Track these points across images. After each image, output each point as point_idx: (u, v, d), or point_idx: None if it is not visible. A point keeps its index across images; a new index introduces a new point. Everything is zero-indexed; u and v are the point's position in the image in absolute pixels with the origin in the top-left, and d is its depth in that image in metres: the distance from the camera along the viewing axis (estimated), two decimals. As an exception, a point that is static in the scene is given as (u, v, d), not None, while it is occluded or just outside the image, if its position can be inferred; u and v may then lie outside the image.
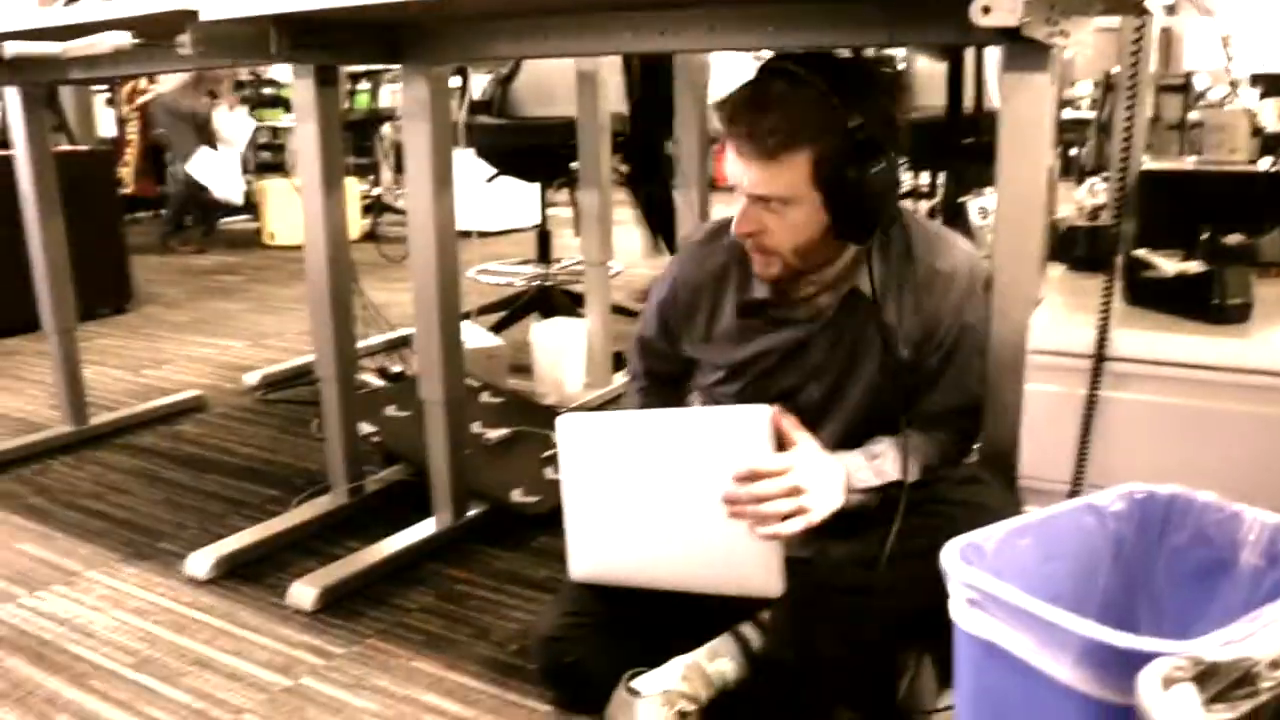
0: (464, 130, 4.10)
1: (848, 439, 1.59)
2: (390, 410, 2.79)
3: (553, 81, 4.36)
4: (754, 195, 1.51)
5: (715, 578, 1.53)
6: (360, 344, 3.15)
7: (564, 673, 1.61)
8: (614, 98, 3.81)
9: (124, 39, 1.87)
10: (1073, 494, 1.46)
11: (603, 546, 1.60)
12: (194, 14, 1.76)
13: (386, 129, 7.74)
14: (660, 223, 4.07)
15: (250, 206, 7.58)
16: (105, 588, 2.18)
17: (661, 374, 1.85)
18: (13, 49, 2.06)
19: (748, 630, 1.57)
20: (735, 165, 1.51)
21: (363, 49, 2.08)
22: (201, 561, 2.21)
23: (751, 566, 1.49)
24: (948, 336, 1.61)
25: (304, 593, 2.06)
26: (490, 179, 4.39)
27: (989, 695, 1.14)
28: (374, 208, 7.31)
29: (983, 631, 1.10)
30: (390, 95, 7.43)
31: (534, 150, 4.23)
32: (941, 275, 1.60)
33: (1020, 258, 1.52)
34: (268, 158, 8.63)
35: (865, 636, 1.49)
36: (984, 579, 1.10)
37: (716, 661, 1.54)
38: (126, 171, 7.94)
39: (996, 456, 1.56)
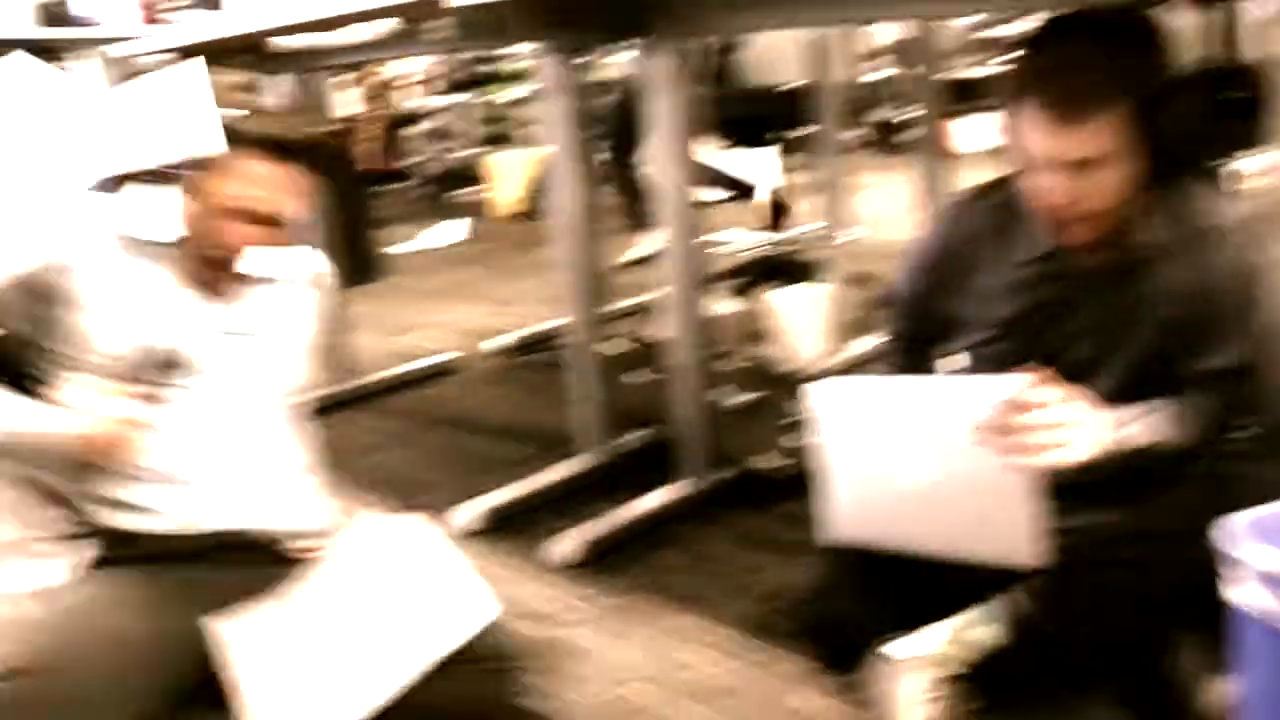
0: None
1: (1116, 400, 1.51)
2: (636, 375, 2.89)
3: (774, 50, 4.38)
4: (1067, 161, 1.47)
5: (973, 545, 1.52)
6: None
7: (824, 630, 1.65)
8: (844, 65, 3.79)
9: (389, 25, 1.98)
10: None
11: (860, 511, 1.61)
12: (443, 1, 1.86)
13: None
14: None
15: (475, 178, 7.86)
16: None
17: (916, 336, 1.84)
18: (281, 44, 2.22)
19: (1010, 599, 1.56)
20: (1038, 136, 1.47)
21: (607, 26, 2.13)
22: (467, 514, 2.36)
23: (1010, 535, 1.47)
24: (1227, 296, 1.56)
25: (565, 547, 2.19)
26: (723, 147, 4.43)
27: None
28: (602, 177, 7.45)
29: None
30: (616, 68, 7.57)
31: (756, 119, 4.26)
32: (1223, 232, 1.54)
33: None
34: (496, 130, 8.92)
35: (1132, 613, 1.46)
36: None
37: (976, 629, 1.54)
38: (366, 147, 8.37)
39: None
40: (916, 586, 1.61)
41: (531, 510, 2.45)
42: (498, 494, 2.48)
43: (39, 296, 1.53)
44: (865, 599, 1.63)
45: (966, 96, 9.28)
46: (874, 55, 8.14)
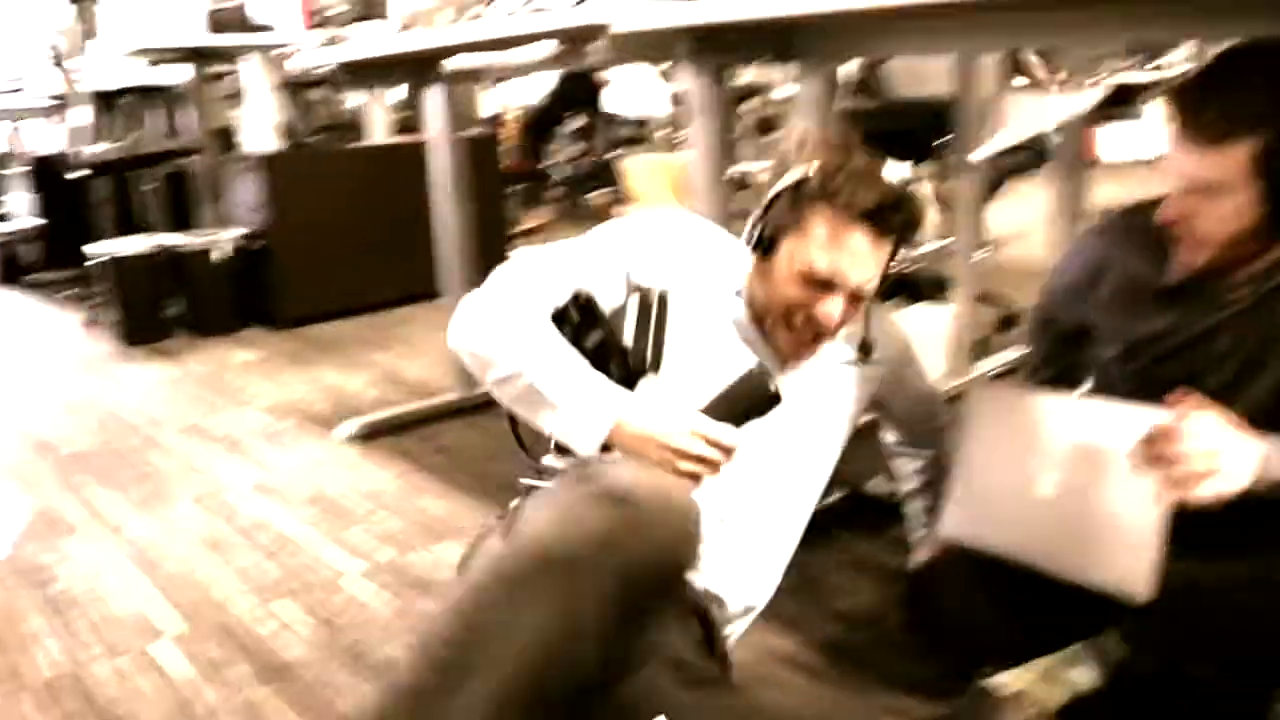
0: (847, 115, 4.10)
1: (1256, 426, 1.47)
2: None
3: (924, 62, 4.30)
4: (1193, 181, 1.45)
5: (1086, 565, 1.49)
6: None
7: (931, 616, 1.64)
8: (990, 79, 3.70)
9: (551, 49, 2.01)
10: None
11: (986, 513, 1.60)
12: (607, 26, 1.88)
13: (754, 102, 7.84)
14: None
15: (613, 180, 7.91)
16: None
17: (1059, 358, 1.80)
18: (453, 64, 2.26)
19: (1112, 640, 1.54)
20: (1173, 150, 1.46)
21: (756, 50, 2.13)
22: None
23: (1127, 564, 1.44)
24: None
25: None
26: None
27: None
28: (735, 182, 7.41)
29: None
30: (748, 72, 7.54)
31: (904, 132, 4.18)
32: None
33: None
34: (630, 133, 8.96)
35: (1242, 662, 1.41)
36: None
37: (1075, 668, 1.51)
38: (505, 148, 8.48)
39: None
40: (1031, 601, 1.56)
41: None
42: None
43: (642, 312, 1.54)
44: (976, 585, 1.60)
45: (1116, 102, 9.06)
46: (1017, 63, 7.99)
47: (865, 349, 1.64)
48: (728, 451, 1.38)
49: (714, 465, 1.38)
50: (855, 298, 1.55)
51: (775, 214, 1.54)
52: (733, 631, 1.63)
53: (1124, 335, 1.66)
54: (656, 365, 1.54)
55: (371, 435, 3.18)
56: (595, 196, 8.13)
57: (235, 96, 5.08)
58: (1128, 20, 1.66)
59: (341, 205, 4.73)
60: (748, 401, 1.42)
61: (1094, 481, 1.46)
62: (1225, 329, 1.57)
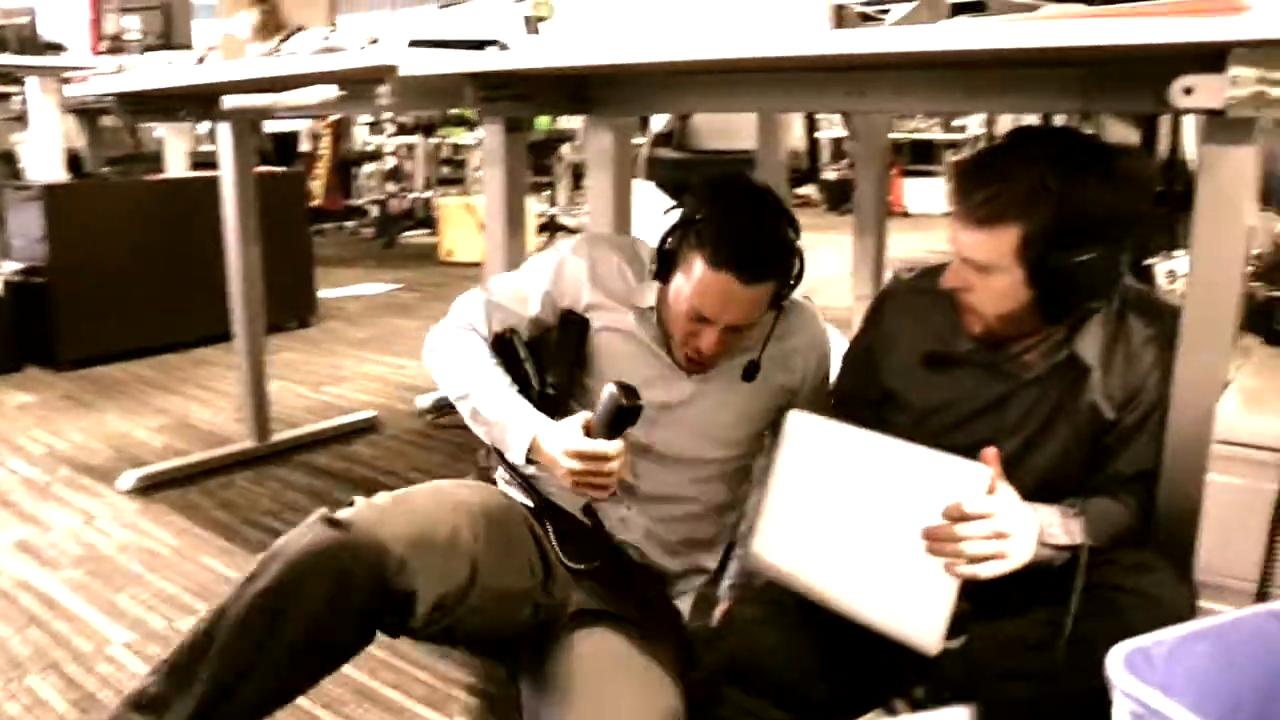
0: (649, 164, 4.13)
1: (1031, 497, 1.50)
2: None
3: (732, 117, 4.37)
4: (963, 256, 1.52)
5: (880, 610, 1.50)
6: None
7: (748, 667, 1.61)
8: (795, 132, 3.78)
9: (331, 93, 1.94)
10: (1260, 598, 1.37)
11: (791, 540, 1.61)
12: (393, 69, 1.82)
13: (565, 149, 7.88)
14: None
15: (429, 221, 7.82)
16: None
17: (860, 399, 1.81)
18: (230, 103, 2.16)
19: (901, 708, 1.55)
20: (951, 222, 1.53)
21: (550, 100, 2.11)
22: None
23: (918, 612, 1.45)
24: (1146, 399, 1.54)
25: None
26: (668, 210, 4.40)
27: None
28: (549, 226, 7.44)
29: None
30: (569, 117, 7.58)
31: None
32: (1156, 343, 1.54)
33: (1209, 339, 1.44)
34: (447, 173, 8.88)
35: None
36: (1150, 694, 1.05)
37: None
38: (317, 185, 8.30)
39: (1171, 546, 1.48)
40: (846, 650, 1.58)
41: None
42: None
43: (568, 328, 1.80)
44: (795, 647, 1.59)
45: (920, 158, 9.46)
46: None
47: (749, 372, 1.79)
48: (605, 459, 1.59)
49: (599, 474, 1.61)
50: (733, 329, 1.69)
51: (670, 244, 1.71)
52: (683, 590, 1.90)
53: (916, 402, 1.70)
54: (569, 390, 1.80)
55: (153, 487, 3.00)
56: (409, 237, 8.02)
57: (22, 119, 4.79)
58: (924, 91, 1.70)
59: (132, 240, 4.50)
60: (614, 416, 1.60)
61: (897, 526, 1.47)
62: (1014, 401, 1.62)
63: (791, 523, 1.61)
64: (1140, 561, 1.41)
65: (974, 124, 8.76)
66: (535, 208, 7.50)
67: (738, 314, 1.67)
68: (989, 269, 1.49)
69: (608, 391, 1.60)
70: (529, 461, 1.68)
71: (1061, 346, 1.56)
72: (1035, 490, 1.54)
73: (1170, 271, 2.23)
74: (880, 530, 1.49)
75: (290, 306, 5.07)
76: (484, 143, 2.20)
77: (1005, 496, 1.41)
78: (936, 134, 9.78)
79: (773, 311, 1.75)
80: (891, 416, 1.73)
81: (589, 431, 1.61)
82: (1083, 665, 1.34)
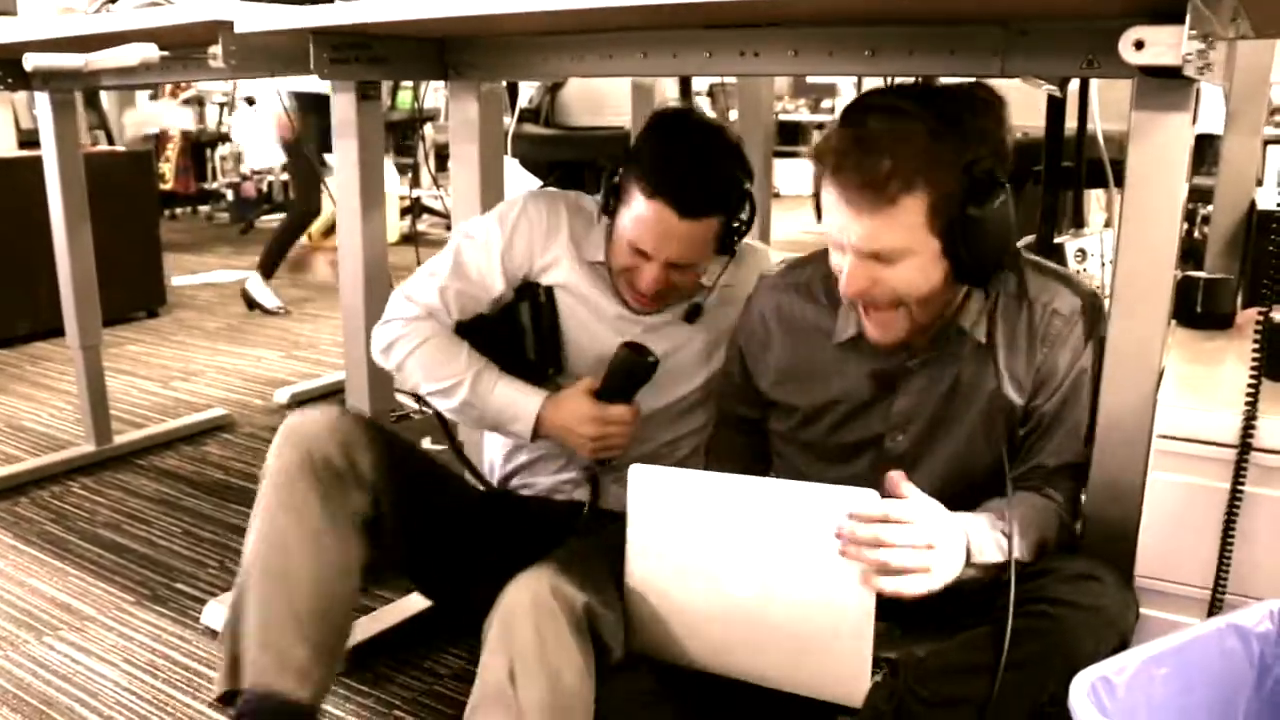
0: (516, 141, 3.93)
1: (938, 498, 1.34)
2: (427, 442, 2.63)
3: (603, 91, 4.19)
4: (866, 251, 1.32)
5: (792, 672, 1.35)
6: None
7: None
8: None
9: (150, 52, 1.71)
10: (1213, 609, 1.27)
11: (668, 618, 1.42)
12: (228, 25, 1.61)
13: (429, 129, 7.60)
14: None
15: (288, 205, 7.48)
16: (117, 635, 2.03)
17: (746, 419, 1.66)
18: (33, 61, 1.91)
19: None
20: (837, 217, 1.33)
21: (407, 64, 1.91)
22: (218, 613, 2.05)
23: (835, 664, 1.31)
24: (1064, 384, 1.42)
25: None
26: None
27: None
28: (414, 209, 7.16)
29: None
30: (434, 95, 7.29)
31: (580, 162, 4.06)
32: (1060, 318, 1.42)
33: (1143, 323, 1.33)
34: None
35: None
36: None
37: None
38: (167, 168, 7.89)
39: (1109, 547, 1.37)
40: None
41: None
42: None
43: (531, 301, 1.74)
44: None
45: (788, 139, 9.44)
46: (698, 94, 8.13)
47: (691, 314, 1.75)
48: (626, 424, 1.65)
49: (617, 437, 1.66)
50: (675, 266, 1.63)
51: (618, 179, 1.65)
52: None
53: (800, 405, 1.56)
54: (559, 364, 1.76)
55: (-25, 500, 2.72)
56: (269, 220, 7.66)
57: None
58: (826, 51, 1.55)
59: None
60: (627, 376, 1.64)
61: (785, 573, 1.30)
62: (904, 388, 1.48)
63: (668, 597, 1.40)
64: (1081, 571, 1.29)
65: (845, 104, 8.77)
66: (400, 190, 7.21)
67: (677, 250, 1.61)
68: (898, 255, 1.31)
69: (620, 353, 1.64)
70: (535, 438, 1.69)
71: (948, 322, 1.44)
72: (945, 487, 1.42)
73: (1080, 250, 2.15)
74: (771, 582, 1.31)
75: (137, 296, 4.74)
76: (333, 113, 1.98)
77: (924, 502, 1.27)
78: (804, 115, 9.77)
79: (725, 256, 1.71)
80: (777, 423, 1.61)
81: (597, 395, 1.65)
82: (1023, 690, 1.23)
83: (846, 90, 9.14)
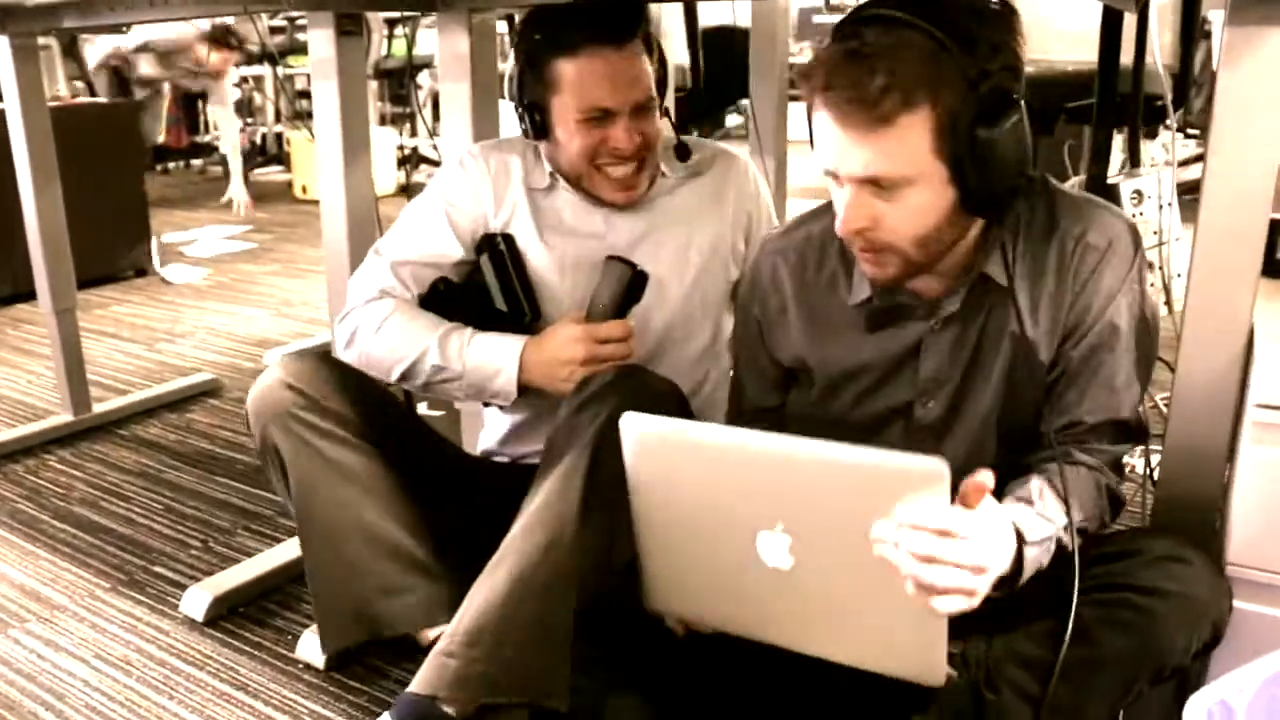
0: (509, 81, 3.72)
1: (972, 463, 1.15)
2: (422, 408, 2.46)
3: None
4: (863, 178, 1.15)
5: (851, 647, 1.18)
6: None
7: None
8: (677, 48, 3.44)
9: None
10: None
11: (688, 581, 1.26)
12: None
13: (424, 77, 7.38)
14: None
15: (282, 158, 7.29)
16: (88, 627, 1.87)
17: (767, 407, 1.49)
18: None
19: None
20: (830, 143, 1.15)
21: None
22: (198, 600, 1.88)
23: (902, 638, 1.13)
24: (1097, 326, 1.25)
25: (315, 646, 1.73)
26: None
27: None
28: (410, 160, 6.96)
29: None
30: (429, 41, 7.06)
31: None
32: (1094, 250, 1.24)
33: (1231, 274, 1.17)
34: (305, 106, 8.29)
35: None
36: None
37: None
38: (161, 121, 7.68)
39: (1186, 528, 1.20)
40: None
41: (288, 584, 1.99)
42: (245, 567, 2.01)
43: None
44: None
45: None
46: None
47: (680, 151, 1.66)
48: (622, 340, 1.51)
49: (612, 358, 1.49)
50: (639, 112, 1.54)
51: (527, 94, 1.56)
52: None
53: (819, 375, 1.39)
54: (535, 309, 1.63)
55: (-56, 474, 2.55)
56: (262, 175, 7.47)
57: None
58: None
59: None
60: (617, 292, 1.51)
61: (835, 549, 1.12)
62: (932, 346, 1.31)
63: (679, 564, 1.26)
64: (1165, 553, 1.11)
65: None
66: (396, 140, 7.01)
67: (631, 89, 1.53)
68: (901, 182, 1.14)
69: (608, 267, 1.52)
70: (521, 392, 1.55)
71: (972, 269, 1.26)
72: (980, 451, 1.29)
73: (1136, 192, 1.96)
74: (814, 557, 1.14)
75: (125, 253, 4.55)
76: (310, 50, 1.79)
77: (984, 516, 1.07)
78: (808, 57, 9.49)
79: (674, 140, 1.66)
80: (797, 395, 1.45)
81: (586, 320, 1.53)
82: (1109, 691, 1.09)
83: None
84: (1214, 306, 1.19)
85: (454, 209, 1.64)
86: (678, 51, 3.42)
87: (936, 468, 1.02)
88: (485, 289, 1.63)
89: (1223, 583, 1.15)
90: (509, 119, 1.73)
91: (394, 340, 1.58)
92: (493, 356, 1.54)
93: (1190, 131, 4.54)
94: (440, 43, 1.83)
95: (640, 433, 1.21)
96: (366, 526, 1.57)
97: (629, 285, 1.51)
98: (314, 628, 1.77)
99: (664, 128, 1.62)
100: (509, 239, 1.63)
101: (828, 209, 1.30)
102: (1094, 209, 1.27)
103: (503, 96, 1.73)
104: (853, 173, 1.15)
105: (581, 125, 1.54)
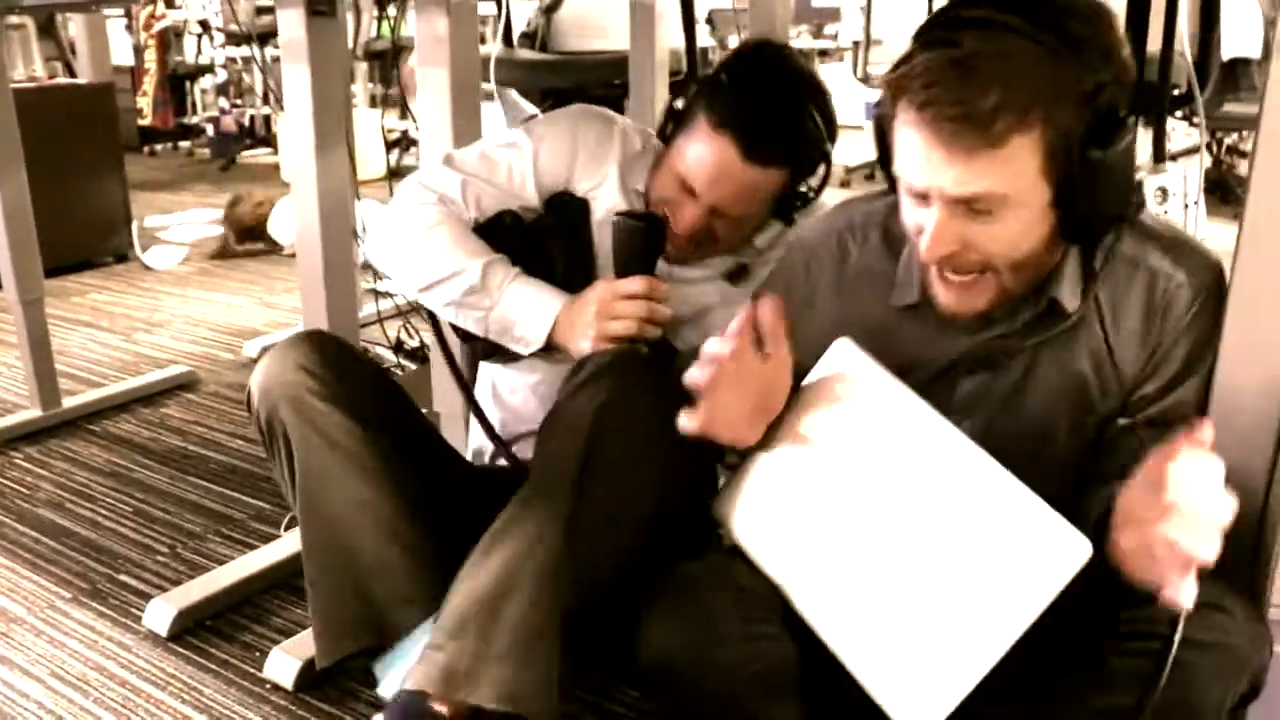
0: (501, 66, 3.61)
1: None
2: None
3: (603, 12, 3.91)
4: (958, 199, 1.05)
5: (869, 656, 1.09)
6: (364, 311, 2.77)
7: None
8: (673, 31, 3.34)
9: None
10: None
11: (778, 521, 1.17)
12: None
13: (413, 60, 7.26)
14: None
15: (270, 140, 7.17)
16: (46, 642, 1.77)
17: None
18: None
19: None
20: (923, 161, 1.05)
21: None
22: (162, 614, 1.79)
23: (916, 675, 1.04)
24: (1172, 366, 1.15)
25: (285, 665, 1.64)
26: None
27: None
28: (400, 143, 6.83)
29: None
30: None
31: (575, 90, 3.76)
32: (1175, 285, 1.15)
33: (1273, 295, 1.07)
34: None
35: None
36: None
37: None
38: (145, 102, 7.57)
39: (1231, 570, 1.10)
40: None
41: (258, 595, 1.89)
42: (214, 576, 1.92)
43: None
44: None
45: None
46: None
47: (734, 274, 1.59)
48: (649, 295, 1.43)
49: (646, 316, 1.42)
50: (718, 214, 1.49)
51: (685, 103, 1.53)
52: None
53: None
54: (589, 279, 1.52)
55: (-99, 475, 2.44)
56: (249, 158, 7.35)
57: None
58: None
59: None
60: (639, 246, 1.45)
61: (933, 556, 1.06)
62: (974, 366, 1.21)
63: (786, 496, 1.17)
64: (1204, 600, 1.02)
65: (851, 30, 8.33)
66: (386, 123, 6.87)
67: (728, 195, 1.47)
68: (999, 205, 1.04)
69: (619, 223, 1.45)
70: (545, 349, 1.49)
71: (1040, 292, 1.16)
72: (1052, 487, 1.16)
73: (1160, 189, 1.86)
74: (910, 551, 1.07)
75: (106, 239, 4.42)
76: (279, 32, 1.69)
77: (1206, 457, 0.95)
78: (806, 41, 9.36)
79: (781, 223, 1.57)
80: None
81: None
82: None
83: (851, 14, 8.71)
84: (1258, 317, 1.09)
85: (542, 158, 1.59)
86: (673, 34, 3.32)
87: (1081, 546, 0.97)
88: (546, 246, 1.57)
89: (1263, 630, 1.06)
90: (490, 106, 1.63)
91: (437, 248, 1.51)
92: (532, 301, 1.49)
93: (1194, 120, 4.45)
94: (418, 25, 1.74)
95: (847, 353, 1.17)
96: (382, 522, 1.46)
97: (642, 234, 1.45)
98: (284, 644, 1.68)
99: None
100: (586, 206, 1.59)
101: (873, 198, 1.24)
102: (1188, 248, 1.18)
103: (486, 79, 1.63)
104: (950, 193, 1.05)
105: (667, 178, 1.52)
